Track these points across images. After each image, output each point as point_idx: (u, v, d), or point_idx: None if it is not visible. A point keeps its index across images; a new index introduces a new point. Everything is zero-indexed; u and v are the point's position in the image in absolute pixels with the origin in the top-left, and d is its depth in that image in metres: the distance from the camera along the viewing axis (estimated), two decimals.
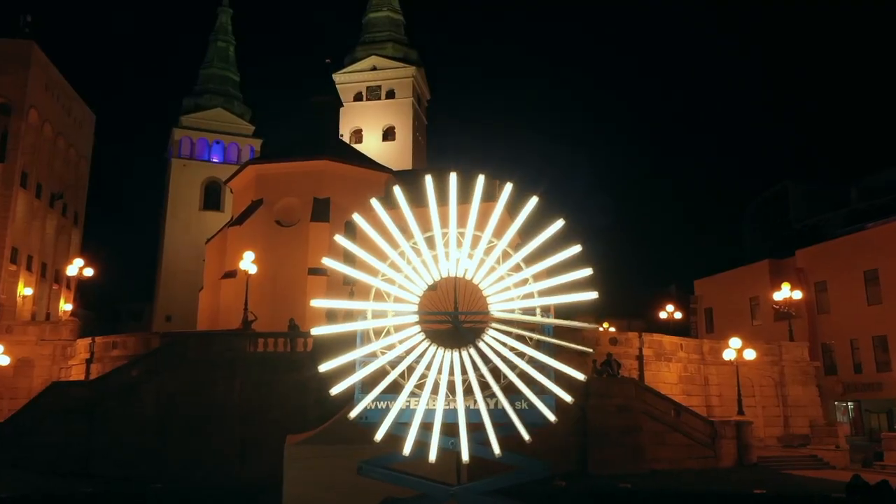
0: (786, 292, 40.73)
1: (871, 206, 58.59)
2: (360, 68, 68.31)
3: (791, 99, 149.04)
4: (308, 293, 35.48)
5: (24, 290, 50.36)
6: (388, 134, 67.07)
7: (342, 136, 61.09)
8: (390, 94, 68.10)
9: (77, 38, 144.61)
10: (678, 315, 51.92)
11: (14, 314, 47.99)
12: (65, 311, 53.37)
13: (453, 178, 9.28)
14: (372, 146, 63.78)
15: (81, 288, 61.90)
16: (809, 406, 39.74)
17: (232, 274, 42.79)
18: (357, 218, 9.95)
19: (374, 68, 68.38)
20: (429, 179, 9.76)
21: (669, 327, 47.69)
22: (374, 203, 9.90)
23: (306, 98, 53.91)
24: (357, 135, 66.69)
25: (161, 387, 29.41)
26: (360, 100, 67.84)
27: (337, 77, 64.38)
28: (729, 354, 35.02)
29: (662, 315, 50.40)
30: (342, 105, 56.84)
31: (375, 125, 67.06)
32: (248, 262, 33.81)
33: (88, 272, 40.26)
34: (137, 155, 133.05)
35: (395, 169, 51.84)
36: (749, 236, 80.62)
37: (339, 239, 10.03)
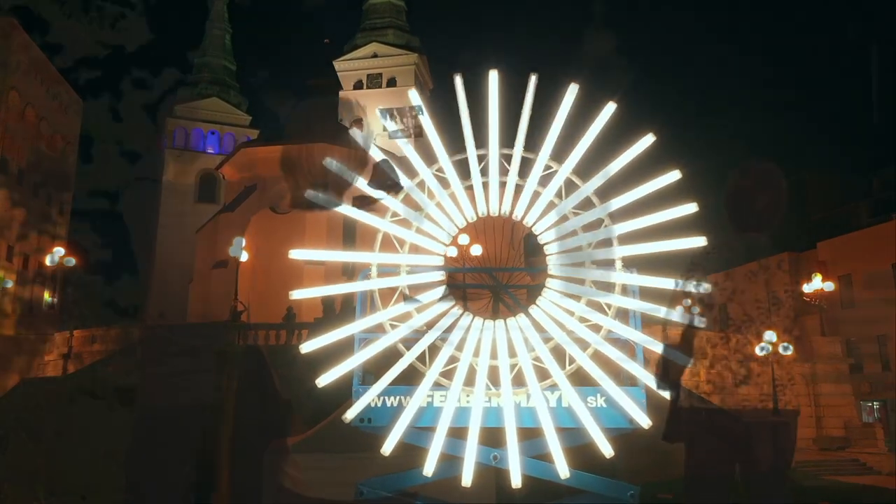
0: (817, 283, 37.94)
1: None
2: (361, 55, 65.56)
3: (803, 86, 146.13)
4: (304, 283, 32.75)
5: (4, 283, 47.48)
6: None
7: (342, 120, 58.45)
8: (392, 83, 65.38)
9: (64, 22, 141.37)
10: (695, 310, 48.97)
11: None
12: (46, 305, 50.59)
13: (493, 76, 6.52)
14: None
15: (73, 283, 59.19)
16: (843, 406, 37.11)
17: (223, 264, 40.09)
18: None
19: (375, 55, 65.73)
20: (458, 80, 6.92)
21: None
22: (379, 114, 7.10)
23: (304, 85, 51.52)
24: (357, 124, 63.95)
25: (140, 383, 26.77)
26: (361, 88, 65.13)
27: (337, 64, 62.14)
28: (763, 349, 32.15)
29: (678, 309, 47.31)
30: (341, 88, 54.15)
31: (376, 114, 64.32)
32: (237, 249, 30.95)
33: (70, 262, 37.68)
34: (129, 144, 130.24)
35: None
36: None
37: (330, 163, 7.22)
